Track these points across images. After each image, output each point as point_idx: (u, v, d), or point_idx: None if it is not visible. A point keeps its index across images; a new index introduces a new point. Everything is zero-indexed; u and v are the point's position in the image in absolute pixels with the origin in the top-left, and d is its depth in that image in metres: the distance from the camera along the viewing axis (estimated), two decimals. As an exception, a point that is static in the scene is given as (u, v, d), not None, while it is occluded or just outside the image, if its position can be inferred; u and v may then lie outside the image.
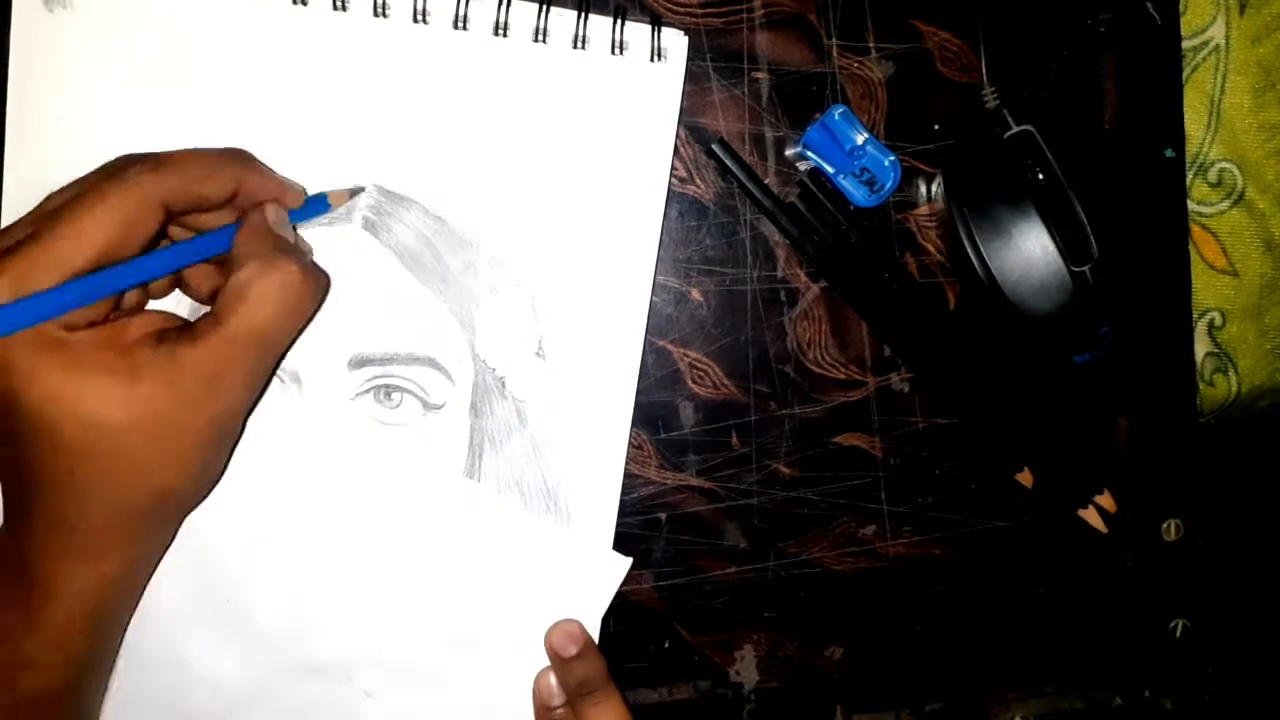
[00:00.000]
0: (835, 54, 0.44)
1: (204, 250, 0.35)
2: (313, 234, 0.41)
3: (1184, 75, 0.47)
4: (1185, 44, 0.47)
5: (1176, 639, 0.49)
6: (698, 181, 0.44)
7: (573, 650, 0.42)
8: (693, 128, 0.44)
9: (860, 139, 0.43)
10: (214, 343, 0.32)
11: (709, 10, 0.44)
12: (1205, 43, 0.47)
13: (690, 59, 0.44)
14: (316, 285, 0.35)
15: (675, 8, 0.43)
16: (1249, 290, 0.48)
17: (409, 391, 0.42)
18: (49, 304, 0.30)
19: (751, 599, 0.47)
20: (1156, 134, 0.47)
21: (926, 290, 0.46)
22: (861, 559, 0.47)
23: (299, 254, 0.35)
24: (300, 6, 0.40)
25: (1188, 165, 0.47)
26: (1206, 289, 0.48)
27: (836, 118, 0.43)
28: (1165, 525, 0.49)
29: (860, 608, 0.48)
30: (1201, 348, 0.48)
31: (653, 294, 0.45)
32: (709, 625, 0.47)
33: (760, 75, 0.44)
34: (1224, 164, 0.47)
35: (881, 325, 0.45)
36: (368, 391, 0.42)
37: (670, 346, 0.45)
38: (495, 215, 0.42)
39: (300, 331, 0.36)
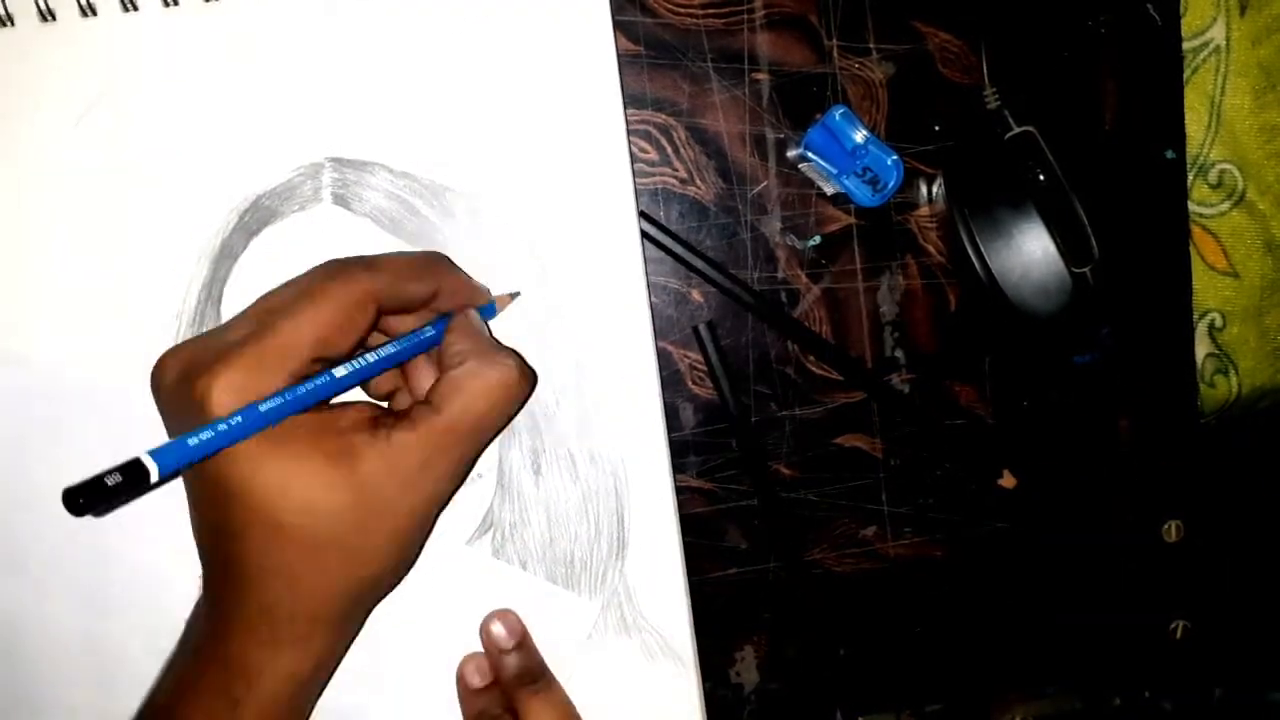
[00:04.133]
0: (836, 55, 0.44)
1: (417, 348, 0.37)
2: (288, 222, 0.41)
3: (1184, 76, 0.47)
4: (1186, 45, 0.46)
5: (1176, 640, 0.49)
6: (698, 182, 0.44)
7: (511, 643, 0.41)
8: (693, 128, 0.44)
9: (861, 139, 0.43)
10: (432, 430, 0.33)
11: (709, 11, 0.44)
12: (1206, 44, 0.47)
13: (691, 59, 0.44)
14: (529, 383, 0.36)
15: (675, 8, 0.43)
16: (1250, 291, 0.48)
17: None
18: (279, 412, 0.31)
19: (751, 600, 0.47)
20: (1157, 135, 0.47)
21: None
22: (862, 560, 0.47)
23: (513, 352, 0.36)
24: None
25: (1188, 166, 0.47)
26: (1207, 290, 0.48)
27: (837, 118, 0.43)
28: (1166, 526, 0.49)
29: (861, 609, 0.48)
30: (1202, 349, 0.48)
31: (653, 295, 0.45)
32: (709, 626, 0.46)
33: (761, 76, 0.44)
34: (1224, 165, 0.47)
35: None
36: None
37: (671, 348, 0.45)
38: (459, 156, 0.41)
39: (506, 425, 0.37)
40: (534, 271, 0.42)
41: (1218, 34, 0.46)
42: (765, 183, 0.45)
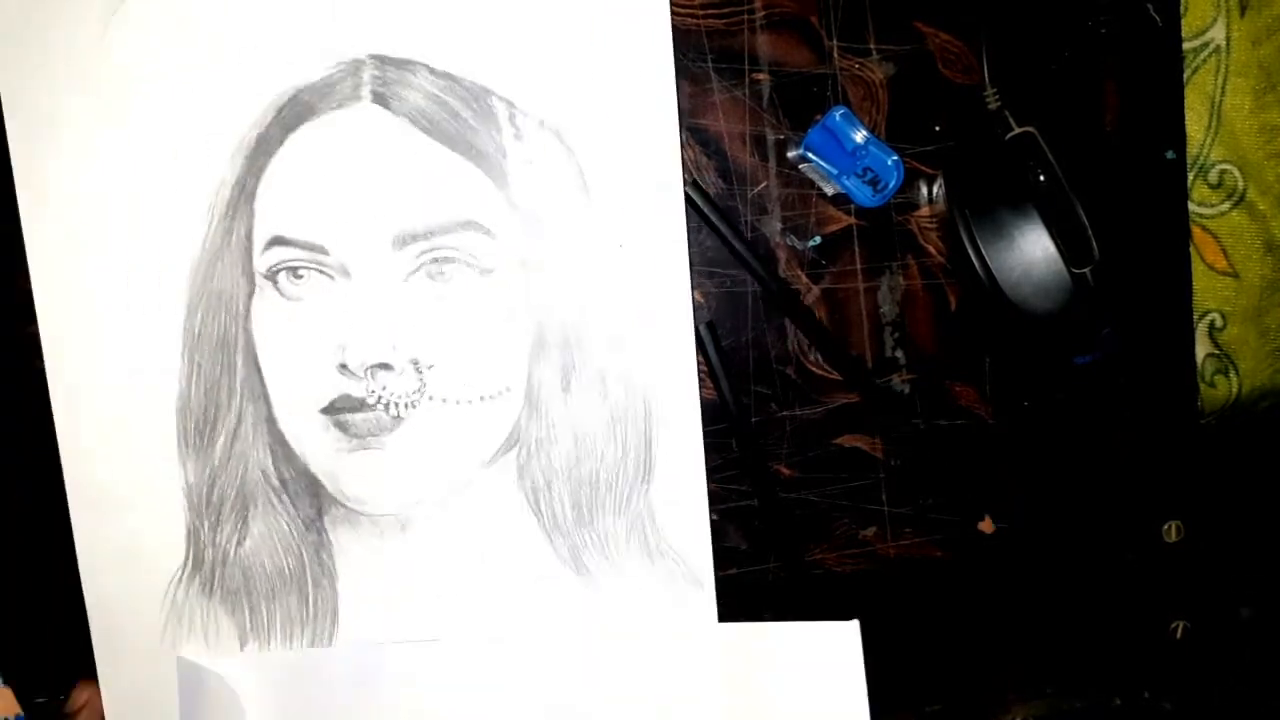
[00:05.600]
0: (836, 55, 0.44)
1: None
2: (325, 119, 0.41)
3: (1185, 76, 0.47)
4: (1186, 45, 0.46)
5: (1177, 640, 0.49)
6: (699, 183, 0.44)
7: None
8: (693, 129, 0.44)
9: (861, 139, 0.43)
10: None
11: (709, 11, 0.44)
12: (1206, 44, 0.47)
13: (691, 60, 0.44)
14: None
15: (675, 8, 0.43)
16: (1250, 291, 0.48)
17: (458, 260, 0.41)
18: None
19: (752, 600, 0.47)
20: (1157, 135, 0.47)
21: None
22: (862, 560, 0.47)
23: None
24: None
25: (1188, 167, 0.47)
26: (1207, 290, 0.48)
27: (838, 119, 0.43)
28: (1166, 526, 0.48)
29: (861, 609, 0.48)
30: (1202, 349, 0.48)
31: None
32: (709, 626, 0.47)
33: (761, 77, 0.44)
34: (1224, 165, 0.47)
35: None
36: (418, 270, 0.41)
37: (671, 348, 0.45)
38: (501, 58, 0.41)
39: None
40: (571, 178, 0.41)
41: (1218, 34, 0.46)
42: (765, 183, 0.45)
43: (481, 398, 0.42)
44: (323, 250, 0.41)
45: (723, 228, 0.43)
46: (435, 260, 0.41)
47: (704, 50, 0.44)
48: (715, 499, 0.46)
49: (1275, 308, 0.48)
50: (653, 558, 0.43)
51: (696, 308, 0.45)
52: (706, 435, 0.45)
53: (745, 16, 0.44)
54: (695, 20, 0.43)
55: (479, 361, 0.42)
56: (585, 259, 0.42)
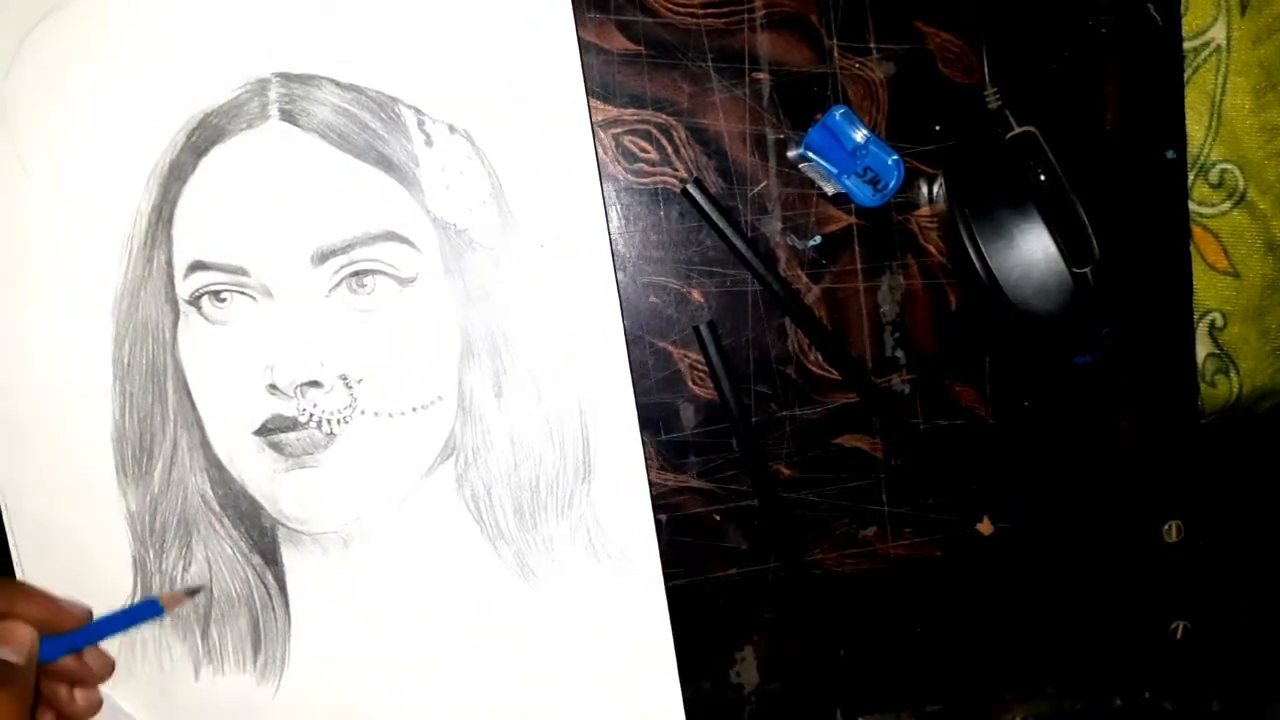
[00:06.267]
0: (836, 54, 0.44)
1: None
2: (236, 140, 0.41)
3: (1185, 76, 0.47)
4: (1186, 45, 0.46)
5: (1177, 640, 0.49)
6: (700, 182, 0.44)
7: None
8: (693, 128, 0.44)
9: (862, 139, 0.43)
10: None
11: (710, 10, 0.43)
12: (1206, 43, 0.46)
13: (691, 59, 0.44)
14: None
15: (675, 8, 0.43)
16: (1250, 291, 0.48)
17: (379, 272, 0.41)
18: None
19: (752, 600, 0.47)
20: (1158, 135, 0.47)
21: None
22: (862, 560, 0.47)
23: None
24: None
25: (1189, 166, 0.47)
26: (1208, 290, 0.48)
27: (838, 118, 0.43)
28: (1166, 526, 0.48)
29: (861, 609, 0.48)
30: (1203, 349, 0.48)
31: (653, 295, 0.45)
32: (709, 626, 0.46)
33: (761, 76, 0.44)
34: (1225, 165, 0.47)
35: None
36: (340, 284, 0.41)
37: (671, 348, 0.45)
38: (406, 66, 0.41)
39: None
40: (486, 181, 0.41)
41: (1218, 33, 0.46)
42: (765, 183, 0.45)
43: (414, 409, 0.42)
44: (243, 272, 0.41)
45: (723, 227, 0.43)
46: (356, 274, 0.41)
47: (704, 50, 0.44)
48: (715, 499, 0.46)
49: (1276, 307, 0.48)
50: (599, 558, 0.43)
51: (695, 307, 0.45)
52: (707, 435, 0.46)
53: (745, 16, 0.44)
54: (695, 20, 0.43)
55: (408, 372, 0.42)
56: (507, 262, 0.42)
